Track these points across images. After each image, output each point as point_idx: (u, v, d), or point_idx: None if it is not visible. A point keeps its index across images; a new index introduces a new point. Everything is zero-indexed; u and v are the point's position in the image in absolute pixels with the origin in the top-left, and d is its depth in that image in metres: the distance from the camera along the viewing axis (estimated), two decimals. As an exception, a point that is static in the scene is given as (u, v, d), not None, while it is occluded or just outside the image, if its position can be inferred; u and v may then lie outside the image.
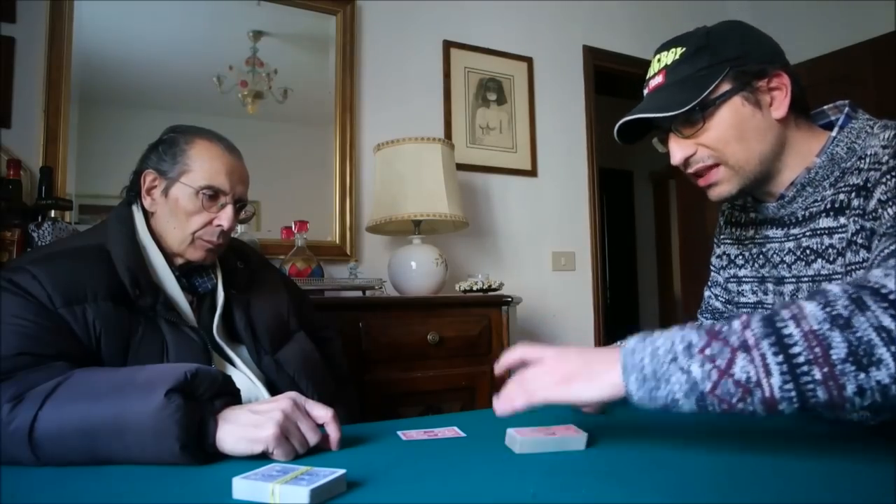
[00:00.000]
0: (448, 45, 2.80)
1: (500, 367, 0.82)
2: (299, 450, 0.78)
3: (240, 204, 1.16)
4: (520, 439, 0.80)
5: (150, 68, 2.22)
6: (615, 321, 4.72)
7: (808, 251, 0.93)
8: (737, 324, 0.65)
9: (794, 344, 0.61)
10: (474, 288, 2.27)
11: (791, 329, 0.62)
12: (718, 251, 1.15)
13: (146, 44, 2.22)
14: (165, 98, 2.24)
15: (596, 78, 3.21)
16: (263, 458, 0.76)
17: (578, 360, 0.73)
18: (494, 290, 2.28)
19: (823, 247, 0.91)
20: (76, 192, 2.05)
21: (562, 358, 0.74)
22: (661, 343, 0.68)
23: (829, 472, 0.70)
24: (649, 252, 5.72)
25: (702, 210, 3.81)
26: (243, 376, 1.10)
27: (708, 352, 0.65)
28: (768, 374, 0.61)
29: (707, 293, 1.18)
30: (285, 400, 0.81)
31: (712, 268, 1.17)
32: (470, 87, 2.85)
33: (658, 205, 5.71)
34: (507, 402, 0.74)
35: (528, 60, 3.01)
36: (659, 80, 0.93)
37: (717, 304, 1.15)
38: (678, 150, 0.93)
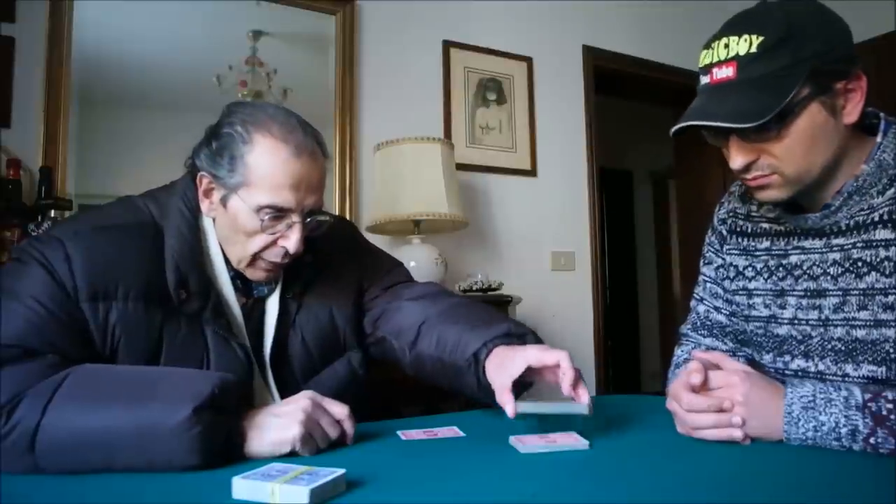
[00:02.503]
0: (448, 45, 2.80)
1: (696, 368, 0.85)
2: (321, 445, 0.81)
3: (310, 218, 0.96)
4: (522, 404, 0.84)
5: (150, 68, 2.22)
6: (615, 321, 4.72)
7: (859, 263, 0.87)
8: None
9: None
10: (474, 288, 2.27)
11: None
12: (719, 261, 1.08)
13: (146, 44, 2.22)
14: (165, 98, 2.24)
15: (596, 78, 3.21)
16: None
17: (755, 395, 0.80)
18: (494, 289, 2.28)
19: (879, 259, 0.85)
20: (76, 192, 2.04)
21: (747, 389, 0.81)
22: (825, 419, 0.76)
23: (829, 472, 0.70)
24: (649, 252, 5.72)
25: (702, 210, 3.81)
26: (271, 401, 0.99)
27: (872, 440, 0.73)
28: None
29: (702, 307, 1.11)
30: (304, 400, 0.82)
31: (707, 279, 1.11)
32: (470, 87, 2.85)
33: (658, 205, 5.71)
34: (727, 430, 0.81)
35: (528, 60, 3.01)
36: (729, 73, 0.81)
37: (721, 318, 1.09)
38: (741, 156, 0.84)
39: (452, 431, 0.92)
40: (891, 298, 0.84)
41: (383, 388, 1.94)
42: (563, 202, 3.06)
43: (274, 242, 0.94)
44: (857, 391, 0.76)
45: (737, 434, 0.80)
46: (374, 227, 2.38)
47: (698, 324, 1.12)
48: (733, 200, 1.09)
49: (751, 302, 1.02)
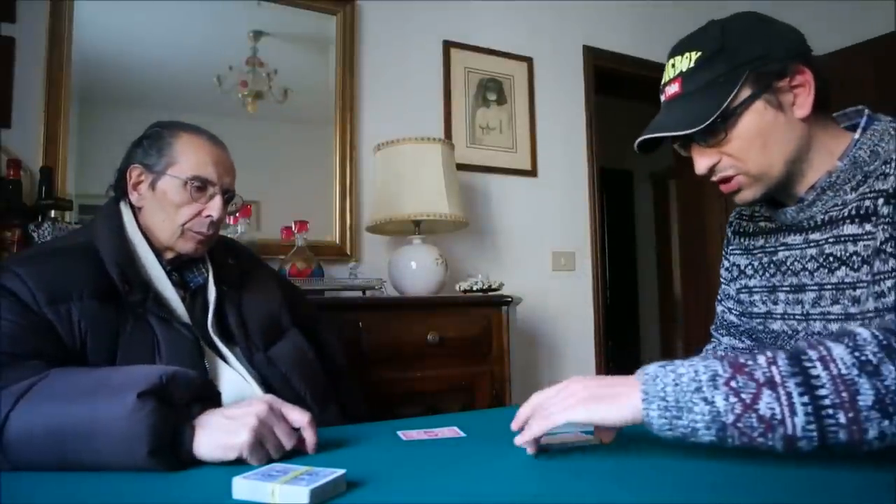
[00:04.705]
0: (448, 45, 2.80)
1: (517, 421, 0.80)
2: (274, 455, 0.77)
3: (228, 195, 1.17)
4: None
5: (150, 68, 2.22)
6: (615, 321, 4.72)
7: (831, 258, 0.89)
8: (762, 359, 0.66)
9: (822, 386, 0.63)
10: (474, 288, 2.27)
11: (819, 371, 0.63)
12: (727, 263, 1.12)
13: (146, 44, 2.22)
14: (165, 98, 2.24)
15: (596, 78, 3.21)
16: (240, 462, 0.74)
17: (599, 383, 0.74)
18: (494, 290, 2.28)
19: (847, 254, 0.87)
20: (76, 192, 2.04)
21: (581, 382, 0.75)
22: (684, 371, 0.69)
23: (829, 473, 0.69)
24: (649, 252, 5.72)
25: (702, 210, 3.81)
26: (236, 374, 1.09)
27: (733, 384, 0.65)
28: (793, 412, 0.63)
29: (720, 308, 1.16)
30: (260, 404, 0.79)
31: (722, 280, 1.15)
32: (470, 87, 2.85)
33: (658, 205, 5.71)
34: (526, 432, 0.75)
35: (528, 60, 3.01)
36: (675, 88, 0.89)
37: (732, 318, 1.12)
38: (702, 160, 0.91)
39: (452, 431, 0.92)
40: (858, 292, 0.85)
41: (383, 388, 1.95)
42: (564, 202, 3.06)
43: (199, 213, 1.12)
44: (721, 351, 0.74)
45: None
46: (374, 228, 2.38)
47: (718, 323, 1.17)
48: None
49: (751, 299, 1.05)
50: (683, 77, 0.88)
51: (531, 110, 2.99)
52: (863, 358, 0.63)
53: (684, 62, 0.88)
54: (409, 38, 2.73)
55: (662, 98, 0.93)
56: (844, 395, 0.62)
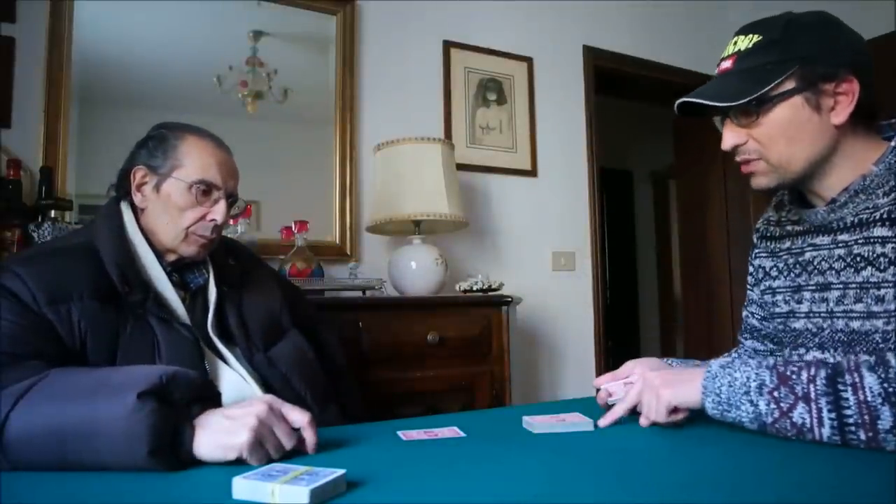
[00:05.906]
0: (448, 45, 2.80)
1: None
2: (274, 455, 0.76)
3: (231, 199, 1.17)
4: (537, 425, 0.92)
5: (150, 68, 2.22)
6: (615, 321, 4.72)
7: (858, 258, 0.92)
8: (805, 375, 0.78)
9: (848, 408, 0.74)
10: (474, 288, 2.27)
11: (849, 395, 0.75)
12: (752, 268, 1.16)
13: (146, 44, 2.22)
14: (165, 98, 2.24)
15: (596, 78, 3.21)
16: (240, 462, 0.74)
17: (670, 373, 0.91)
18: (494, 290, 2.28)
19: (875, 255, 0.90)
20: (76, 192, 2.04)
21: (658, 376, 0.91)
22: (738, 375, 0.83)
23: (829, 472, 0.70)
24: (649, 252, 5.72)
25: (702, 210, 3.82)
26: (236, 375, 1.09)
27: (776, 394, 0.79)
28: (821, 425, 0.76)
29: (744, 312, 1.20)
30: (260, 404, 0.78)
31: (748, 286, 1.18)
32: (470, 87, 2.85)
33: (658, 205, 5.71)
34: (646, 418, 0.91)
35: (528, 60, 3.01)
36: (728, 64, 0.93)
37: (754, 322, 1.16)
38: (730, 136, 0.95)
39: (452, 431, 0.92)
40: (882, 292, 0.89)
41: (383, 388, 1.95)
42: (564, 202, 3.06)
43: (203, 217, 1.12)
44: (771, 359, 0.83)
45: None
46: (374, 228, 2.38)
47: (743, 328, 1.21)
48: (769, 210, 1.16)
49: (774, 300, 1.08)
50: (739, 56, 0.92)
51: (531, 110, 2.99)
52: (889, 389, 0.72)
53: (744, 42, 0.92)
54: (409, 38, 2.73)
55: (716, 71, 0.96)
56: (867, 418, 0.73)
